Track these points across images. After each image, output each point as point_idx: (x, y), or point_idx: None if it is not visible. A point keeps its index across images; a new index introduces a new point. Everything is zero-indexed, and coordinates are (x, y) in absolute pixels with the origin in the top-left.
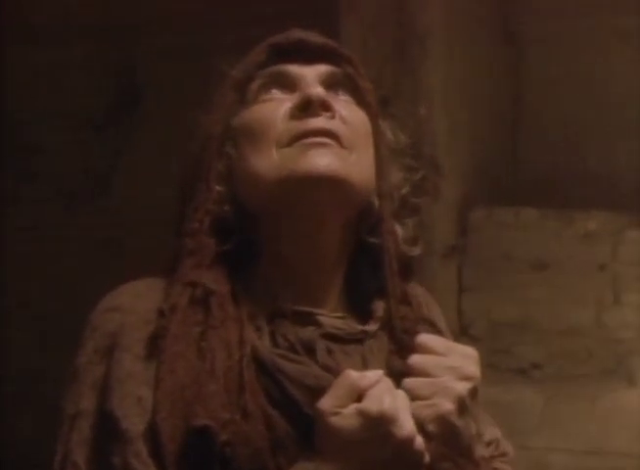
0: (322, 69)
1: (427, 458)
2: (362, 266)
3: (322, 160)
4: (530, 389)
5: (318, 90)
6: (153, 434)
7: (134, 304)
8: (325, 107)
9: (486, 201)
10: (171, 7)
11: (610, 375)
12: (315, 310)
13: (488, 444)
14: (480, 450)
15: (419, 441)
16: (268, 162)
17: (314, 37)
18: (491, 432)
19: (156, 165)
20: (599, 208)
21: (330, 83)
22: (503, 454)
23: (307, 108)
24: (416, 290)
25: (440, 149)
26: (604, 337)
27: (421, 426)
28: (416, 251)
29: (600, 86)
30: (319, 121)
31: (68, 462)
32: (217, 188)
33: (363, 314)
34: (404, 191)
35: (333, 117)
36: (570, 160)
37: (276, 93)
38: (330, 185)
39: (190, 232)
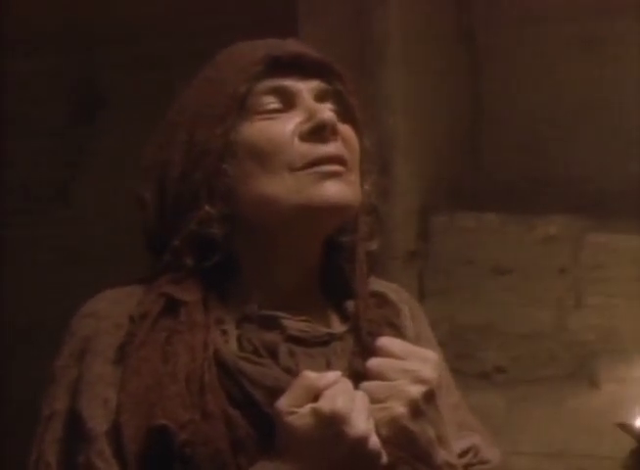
0: (315, 84)
1: (384, 459)
2: (332, 262)
3: (338, 191)
4: (494, 393)
5: (330, 115)
6: (116, 434)
7: (109, 310)
8: (334, 131)
9: (447, 206)
10: (132, 16)
11: (573, 378)
12: (280, 314)
13: (465, 451)
14: (444, 456)
15: (373, 441)
16: (282, 185)
17: (311, 52)
18: (471, 439)
19: (114, 175)
20: (559, 212)
21: (321, 98)
22: (483, 462)
23: (320, 132)
24: (401, 295)
25: (400, 154)
26: (566, 340)
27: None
28: (373, 245)
29: (559, 92)
30: (331, 147)
31: (42, 462)
32: (207, 208)
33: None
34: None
35: (337, 140)
36: (530, 165)
37: (274, 106)
38: (342, 213)
39: (170, 250)
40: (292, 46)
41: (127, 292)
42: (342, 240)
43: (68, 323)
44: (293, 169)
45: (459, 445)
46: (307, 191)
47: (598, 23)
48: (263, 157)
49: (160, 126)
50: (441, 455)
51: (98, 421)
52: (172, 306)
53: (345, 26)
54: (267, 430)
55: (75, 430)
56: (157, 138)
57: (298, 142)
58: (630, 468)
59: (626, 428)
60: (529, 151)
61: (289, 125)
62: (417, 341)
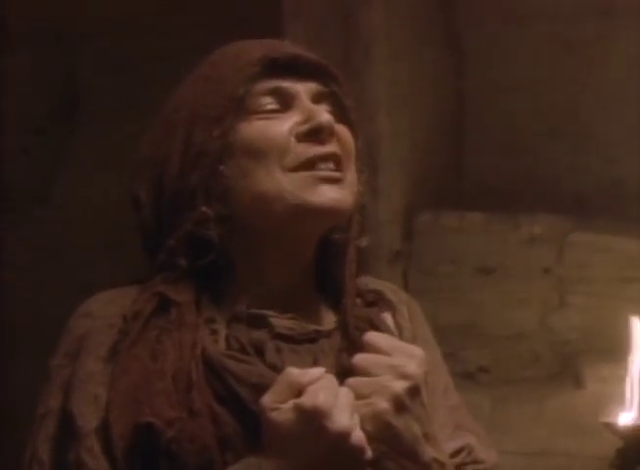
0: (311, 86)
1: (368, 454)
2: (324, 260)
3: (333, 196)
4: (478, 392)
5: (328, 117)
6: (106, 431)
7: (103, 310)
8: (331, 133)
9: (432, 205)
10: (113, 14)
11: (556, 377)
12: (267, 313)
13: (458, 450)
14: (432, 453)
15: (356, 436)
16: (278, 184)
17: (307, 54)
18: (465, 439)
19: (93, 174)
20: (543, 212)
21: (318, 99)
22: (476, 462)
23: (317, 134)
24: (400, 296)
25: (385, 153)
26: (550, 340)
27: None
28: (363, 242)
29: (543, 92)
30: (327, 148)
31: (35, 459)
32: (203, 209)
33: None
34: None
35: (333, 142)
36: (514, 164)
37: (272, 107)
38: (336, 217)
39: (166, 249)
40: (289, 48)
41: (122, 292)
42: (334, 237)
43: (42, 321)
44: (288, 169)
45: (453, 444)
46: (303, 192)
47: (580, 25)
48: (260, 156)
49: (156, 123)
50: (428, 452)
51: (88, 418)
52: (165, 306)
53: (331, 26)
54: (253, 426)
55: (67, 427)
56: (152, 135)
57: (295, 142)
58: (617, 467)
59: (612, 427)
60: (513, 151)
61: (286, 125)
62: (413, 341)
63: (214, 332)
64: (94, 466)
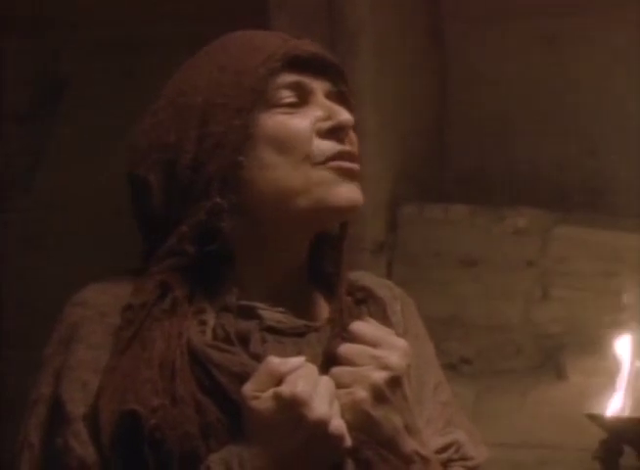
0: (325, 84)
1: (347, 442)
2: (316, 251)
3: (354, 192)
4: (460, 384)
5: (349, 116)
6: (94, 417)
7: (96, 298)
8: (348, 133)
9: (416, 197)
10: (96, 2)
11: (539, 369)
12: (257, 305)
13: (446, 446)
14: (413, 445)
15: (335, 424)
16: (301, 178)
17: (325, 53)
18: (453, 435)
19: (76, 162)
20: (527, 205)
21: (329, 98)
22: (465, 458)
23: (338, 132)
24: (394, 291)
25: (370, 146)
26: (533, 332)
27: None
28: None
29: (526, 86)
30: (347, 146)
31: (26, 443)
32: (218, 199)
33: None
34: None
35: (348, 141)
36: (498, 157)
37: (291, 100)
38: (352, 213)
39: (177, 236)
40: (310, 46)
41: (115, 282)
42: (330, 230)
43: (26, 308)
44: (312, 164)
45: (442, 440)
46: (328, 187)
47: (565, 20)
48: (284, 149)
49: (160, 106)
50: (410, 444)
51: (76, 404)
52: (163, 295)
53: (317, 19)
54: (236, 415)
55: (56, 413)
56: (157, 118)
57: (317, 139)
58: (600, 459)
59: (596, 419)
60: (497, 144)
61: (307, 121)
62: (404, 336)
63: (203, 322)
64: (81, 451)
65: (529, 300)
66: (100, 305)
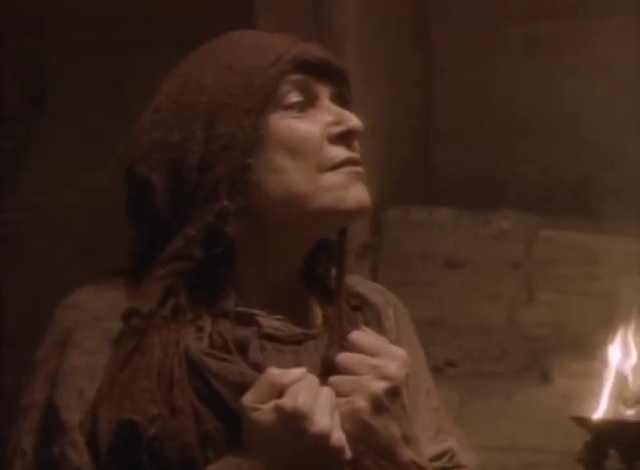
0: (330, 88)
1: (347, 455)
2: (314, 257)
3: (364, 196)
4: (446, 386)
5: (358, 122)
6: (92, 425)
7: (90, 301)
8: (355, 138)
9: (401, 200)
10: (83, 2)
11: (524, 372)
12: (255, 312)
13: (440, 455)
14: (411, 455)
15: (336, 437)
16: (313, 184)
17: (333, 58)
18: (447, 443)
19: (61, 162)
20: (512, 208)
21: (332, 101)
22: (458, 467)
23: (348, 138)
24: (386, 297)
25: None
26: (518, 335)
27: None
28: None
29: (511, 90)
30: (356, 153)
31: (19, 450)
32: (225, 202)
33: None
34: None
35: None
36: (483, 160)
37: (299, 102)
38: (361, 217)
39: (184, 239)
40: (319, 51)
41: (109, 285)
42: (329, 236)
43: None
44: (324, 170)
45: (435, 448)
46: (335, 191)
47: (549, 24)
48: (295, 154)
49: (162, 104)
50: (407, 454)
51: (72, 412)
52: (166, 301)
53: (302, 22)
54: (235, 425)
55: (51, 420)
56: (159, 116)
57: (327, 144)
58: (585, 461)
59: (581, 421)
60: (482, 148)
61: (317, 125)
62: (398, 342)
63: (200, 329)
64: (77, 461)
65: (514, 302)
66: (94, 308)
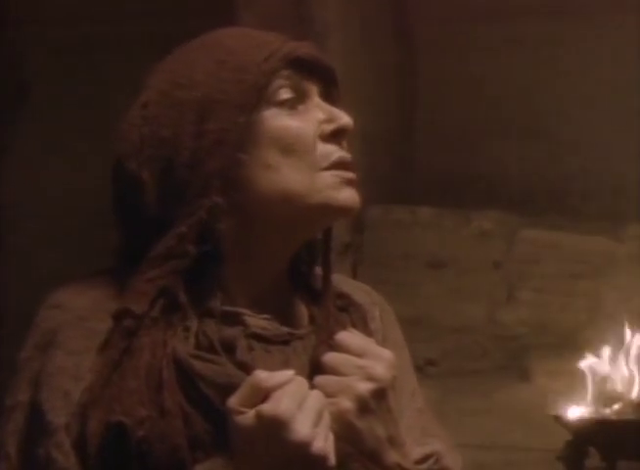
0: (319, 86)
1: (331, 462)
2: (297, 256)
3: (355, 197)
4: (426, 385)
5: (349, 120)
6: (80, 426)
7: (73, 301)
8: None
9: (382, 199)
10: (66, 1)
11: (504, 371)
12: (242, 311)
13: (425, 457)
14: (396, 458)
15: (317, 446)
16: (306, 182)
17: (324, 57)
18: (433, 445)
19: (42, 159)
20: (493, 208)
21: (321, 98)
22: (444, 469)
23: (339, 135)
24: (372, 297)
25: None
26: (498, 333)
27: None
28: None
29: (494, 90)
30: (348, 153)
31: (2, 452)
32: (216, 199)
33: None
34: None
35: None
36: (465, 160)
37: (291, 99)
38: (351, 214)
39: (177, 236)
40: (310, 49)
41: (92, 283)
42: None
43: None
44: (317, 168)
45: (421, 450)
46: (331, 191)
47: (531, 23)
48: (288, 151)
49: (152, 99)
50: (392, 457)
51: (57, 413)
52: (157, 301)
53: (285, 20)
54: (223, 426)
55: (36, 422)
56: (149, 111)
57: (320, 142)
58: (565, 459)
59: (561, 420)
60: (464, 147)
61: (311, 123)
62: (383, 343)
63: (187, 329)
64: (64, 463)
65: (495, 301)
66: (78, 308)
